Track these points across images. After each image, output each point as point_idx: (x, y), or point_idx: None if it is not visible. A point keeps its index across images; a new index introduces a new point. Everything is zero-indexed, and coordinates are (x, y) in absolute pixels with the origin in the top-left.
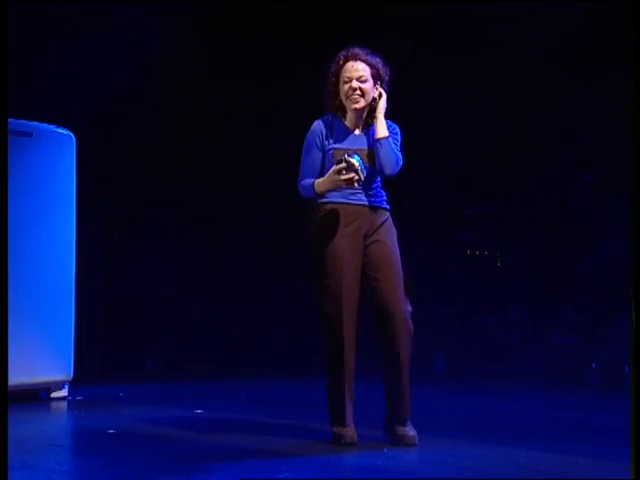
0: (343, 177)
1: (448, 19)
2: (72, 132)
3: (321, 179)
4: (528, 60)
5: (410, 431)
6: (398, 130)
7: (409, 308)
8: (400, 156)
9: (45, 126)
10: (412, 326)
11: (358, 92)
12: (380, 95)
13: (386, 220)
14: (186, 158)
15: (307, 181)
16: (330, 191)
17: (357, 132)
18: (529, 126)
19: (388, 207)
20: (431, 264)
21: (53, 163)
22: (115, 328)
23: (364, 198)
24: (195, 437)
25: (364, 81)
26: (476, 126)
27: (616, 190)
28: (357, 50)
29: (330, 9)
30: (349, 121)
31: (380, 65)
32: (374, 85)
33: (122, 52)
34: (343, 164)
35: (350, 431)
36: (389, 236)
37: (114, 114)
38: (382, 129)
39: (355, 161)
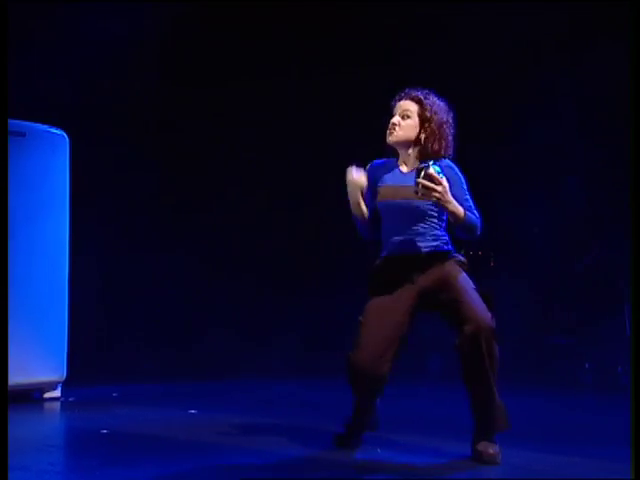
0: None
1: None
2: (65, 132)
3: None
4: (518, 60)
5: (490, 448)
6: (458, 171)
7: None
8: (478, 222)
9: (38, 126)
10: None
11: (395, 127)
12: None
13: (446, 266)
14: (181, 157)
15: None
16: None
17: (404, 170)
18: (519, 125)
19: (448, 249)
20: None
21: (46, 163)
22: (108, 328)
23: (417, 244)
24: (189, 437)
25: (406, 117)
26: (467, 126)
27: (605, 190)
28: (412, 90)
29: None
30: (400, 162)
31: (433, 105)
32: (422, 125)
33: (116, 51)
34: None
35: (343, 437)
36: (454, 280)
37: (107, 114)
38: (458, 209)
39: (433, 170)
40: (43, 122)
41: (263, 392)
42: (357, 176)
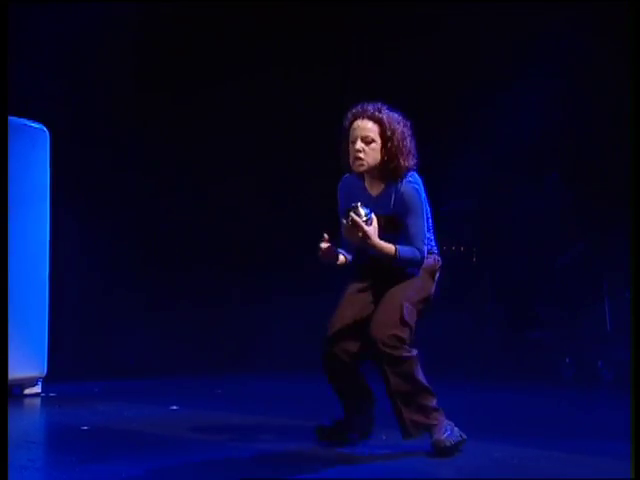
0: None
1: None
2: (45, 126)
3: None
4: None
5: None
6: (418, 194)
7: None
8: (414, 258)
9: (18, 120)
10: (398, 352)
11: (361, 155)
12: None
13: (402, 275)
14: (163, 152)
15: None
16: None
17: (374, 194)
18: (501, 122)
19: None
20: None
21: (26, 158)
22: (89, 324)
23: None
24: (170, 433)
25: (370, 142)
26: (451, 123)
27: (587, 186)
28: (366, 106)
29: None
30: (367, 182)
31: (391, 121)
32: (384, 144)
33: (96, 42)
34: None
35: (326, 430)
36: (397, 282)
37: (88, 107)
38: (386, 250)
39: (362, 211)
40: (22, 116)
41: (245, 388)
42: (327, 251)
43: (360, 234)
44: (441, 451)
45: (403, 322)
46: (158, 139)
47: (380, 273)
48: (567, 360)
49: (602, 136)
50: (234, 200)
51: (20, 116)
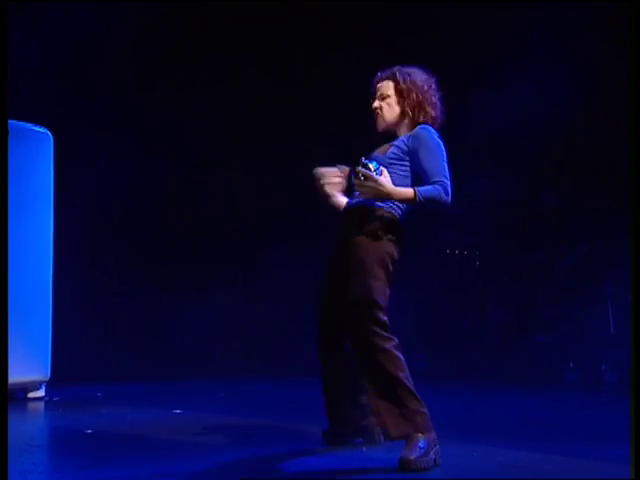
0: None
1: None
2: (49, 130)
3: None
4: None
5: (407, 454)
6: (432, 136)
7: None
8: (437, 194)
9: (21, 124)
10: (369, 329)
11: (378, 111)
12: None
13: (367, 217)
14: (165, 154)
15: None
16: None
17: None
18: (502, 126)
19: (377, 205)
20: (410, 262)
21: (30, 162)
22: (93, 328)
23: (357, 197)
24: (173, 437)
25: (385, 97)
26: (455, 124)
27: (586, 192)
28: (387, 70)
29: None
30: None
31: (406, 76)
32: (402, 97)
33: (99, 48)
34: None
35: (327, 433)
36: (359, 232)
37: (90, 111)
38: (405, 195)
39: (371, 166)
40: (26, 120)
41: (248, 391)
42: (324, 170)
43: (374, 184)
44: (405, 470)
45: (376, 304)
46: (160, 141)
47: (343, 234)
48: (571, 364)
49: (604, 138)
50: (253, 193)
51: (24, 121)
